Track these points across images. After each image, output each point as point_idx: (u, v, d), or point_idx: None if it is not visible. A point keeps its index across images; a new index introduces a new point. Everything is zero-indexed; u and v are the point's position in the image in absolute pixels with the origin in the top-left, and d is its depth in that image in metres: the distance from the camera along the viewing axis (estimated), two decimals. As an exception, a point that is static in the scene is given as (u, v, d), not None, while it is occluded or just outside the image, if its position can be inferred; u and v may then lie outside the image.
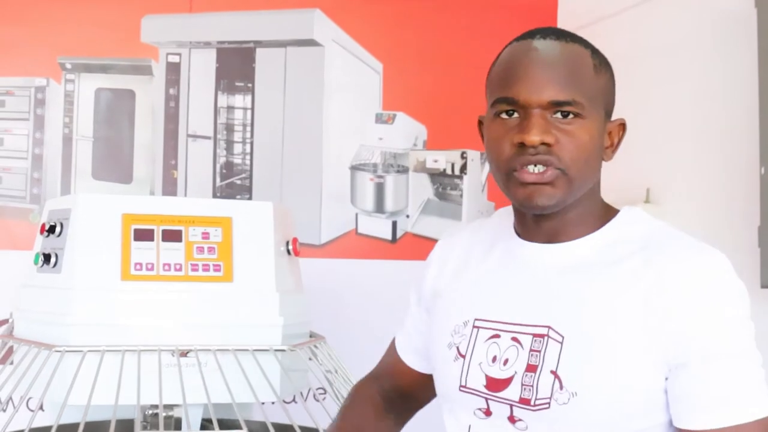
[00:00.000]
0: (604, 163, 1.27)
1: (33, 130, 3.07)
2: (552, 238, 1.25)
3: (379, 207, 3.31)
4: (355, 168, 3.30)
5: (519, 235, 1.30)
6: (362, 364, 1.62)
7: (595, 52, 1.23)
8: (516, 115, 1.19)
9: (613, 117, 1.26)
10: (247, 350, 1.76)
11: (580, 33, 1.29)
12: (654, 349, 1.12)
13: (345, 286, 3.10)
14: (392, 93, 3.32)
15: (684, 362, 1.12)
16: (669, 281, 1.13)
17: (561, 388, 1.15)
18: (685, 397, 1.12)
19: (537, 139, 1.16)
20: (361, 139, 3.31)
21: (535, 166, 1.17)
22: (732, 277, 1.14)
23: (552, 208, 1.20)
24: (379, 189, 3.31)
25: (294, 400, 1.84)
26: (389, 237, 3.30)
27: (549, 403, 1.16)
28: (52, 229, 1.87)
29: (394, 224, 3.31)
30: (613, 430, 1.15)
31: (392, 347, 1.53)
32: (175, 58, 3.19)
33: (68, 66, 3.09)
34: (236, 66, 3.23)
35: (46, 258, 1.85)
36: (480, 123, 1.30)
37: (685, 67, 2.86)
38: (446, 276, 1.39)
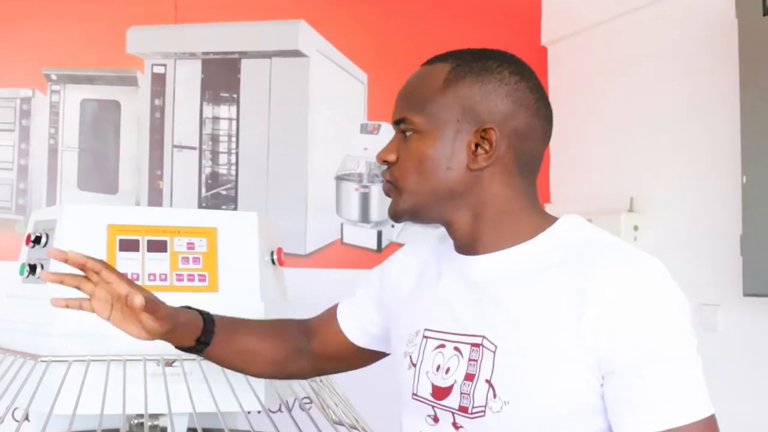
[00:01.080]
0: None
1: (18, 140, 3.07)
2: (473, 249, 1.28)
3: (365, 217, 3.32)
4: (340, 178, 3.31)
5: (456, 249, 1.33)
6: (347, 373, 1.63)
7: (461, 65, 1.25)
8: None
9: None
10: (232, 360, 1.76)
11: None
12: (585, 355, 1.12)
13: (330, 296, 3.09)
14: (377, 103, 3.33)
15: (614, 368, 1.11)
16: (600, 288, 1.12)
17: (495, 396, 1.17)
18: (619, 402, 1.12)
19: (379, 158, 1.31)
20: (346, 149, 3.32)
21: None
22: (665, 285, 1.14)
23: (399, 218, 1.32)
24: (365, 199, 3.32)
25: (279, 409, 1.84)
26: (374, 246, 3.31)
27: (484, 412, 1.18)
28: (37, 240, 1.87)
29: (380, 234, 3.32)
30: None
31: (332, 310, 1.59)
32: (160, 69, 3.20)
33: (54, 77, 3.10)
34: (221, 77, 3.24)
35: (32, 269, 1.85)
36: None
37: (668, 77, 2.89)
38: (407, 285, 1.42)
